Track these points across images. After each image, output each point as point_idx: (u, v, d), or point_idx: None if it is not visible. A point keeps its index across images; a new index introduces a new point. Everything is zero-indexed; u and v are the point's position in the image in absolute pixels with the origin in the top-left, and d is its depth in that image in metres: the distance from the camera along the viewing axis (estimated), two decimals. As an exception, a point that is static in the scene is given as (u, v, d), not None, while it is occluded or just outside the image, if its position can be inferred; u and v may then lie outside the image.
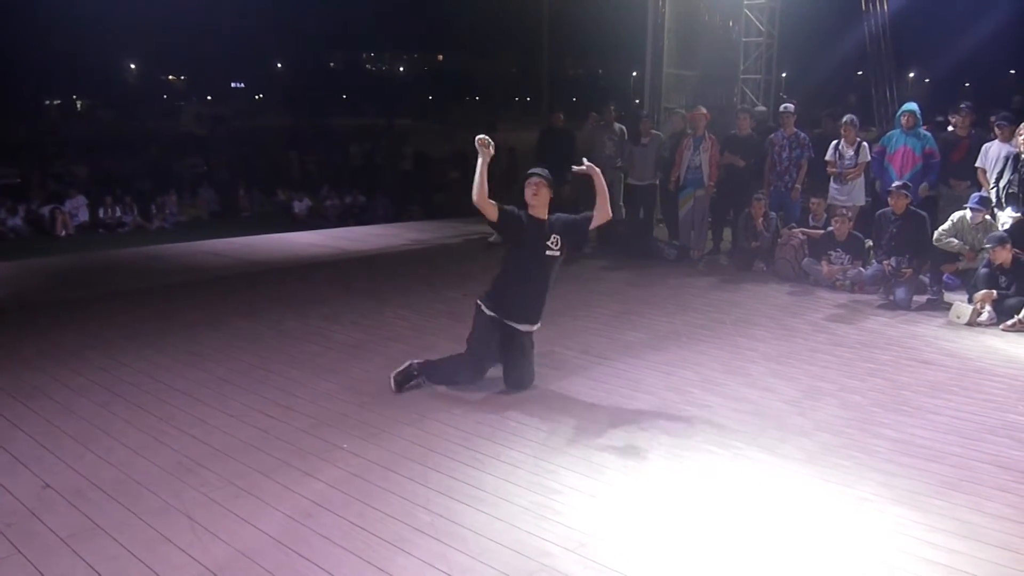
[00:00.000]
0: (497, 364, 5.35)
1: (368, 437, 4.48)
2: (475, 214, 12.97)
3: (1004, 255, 7.14)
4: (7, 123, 32.84)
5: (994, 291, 7.10)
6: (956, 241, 7.73)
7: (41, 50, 48.29)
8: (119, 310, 7.35)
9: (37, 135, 29.52)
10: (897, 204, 7.82)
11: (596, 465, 4.17)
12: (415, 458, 4.21)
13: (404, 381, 5.19)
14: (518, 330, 5.27)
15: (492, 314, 5.24)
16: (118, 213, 16.80)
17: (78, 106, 61.21)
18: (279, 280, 8.81)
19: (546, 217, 5.22)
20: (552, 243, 5.17)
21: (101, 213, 16.69)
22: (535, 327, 5.37)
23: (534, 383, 5.34)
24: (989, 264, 7.28)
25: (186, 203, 18.25)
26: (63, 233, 15.80)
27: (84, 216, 16.63)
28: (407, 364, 5.25)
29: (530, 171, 5.27)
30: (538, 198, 5.17)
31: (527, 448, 4.36)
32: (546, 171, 5.28)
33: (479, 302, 5.32)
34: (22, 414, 4.79)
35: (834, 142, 9.22)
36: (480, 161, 5.04)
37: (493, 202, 5.12)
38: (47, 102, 57.02)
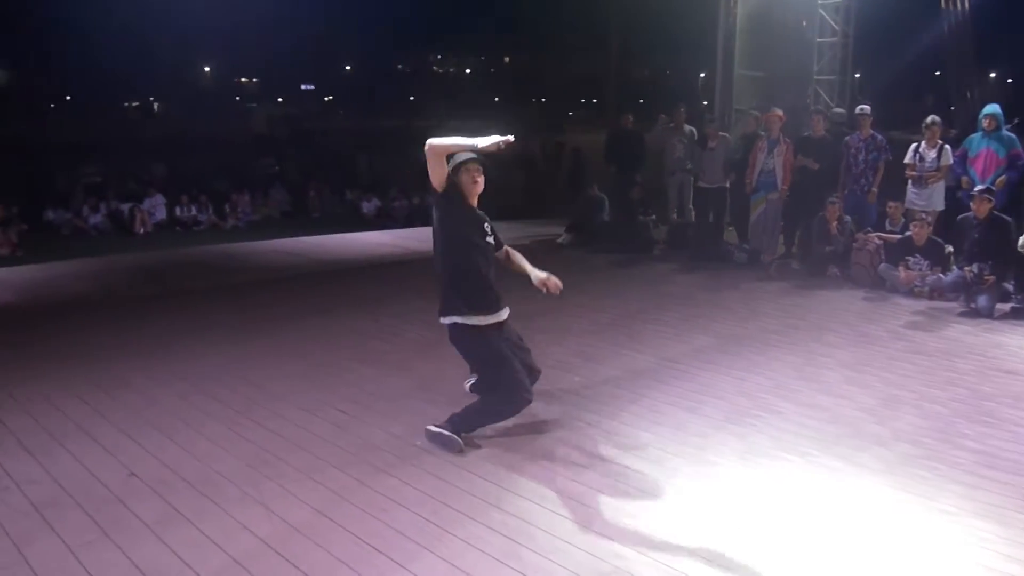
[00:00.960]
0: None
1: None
2: (542, 216, 12.97)
3: None
4: (90, 124, 34.06)
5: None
6: (1042, 248, 7.45)
7: (121, 54, 49.94)
8: (197, 305, 7.57)
9: (117, 136, 30.50)
10: (980, 209, 7.58)
11: (668, 469, 4.13)
12: (487, 457, 4.24)
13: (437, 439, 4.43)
14: (505, 320, 4.72)
15: (489, 321, 4.57)
16: (194, 211, 17.25)
17: (155, 108, 63.09)
18: (350, 279, 8.96)
19: (475, 204, 4.60)
20: (488, 229, 4.65)
21: (178, 211, 17.16)
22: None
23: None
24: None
25: (259, 203, 18.63)
26: (141, 231, 16.28)
27: (162, 214, 17.12)
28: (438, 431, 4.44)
29: (465, 157, 4.47)
30: (478, 186, 4.54)
31: (598, 449, 4.35)
32: (481, 156, 4.49)
33: (459, 322, 4.51)
34: (108, 405, 4.97)
35: (914, 144, 8.97)
36: (479, 142, 4.33)
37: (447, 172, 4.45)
38: (126, 104, 58.98)
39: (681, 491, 3.90)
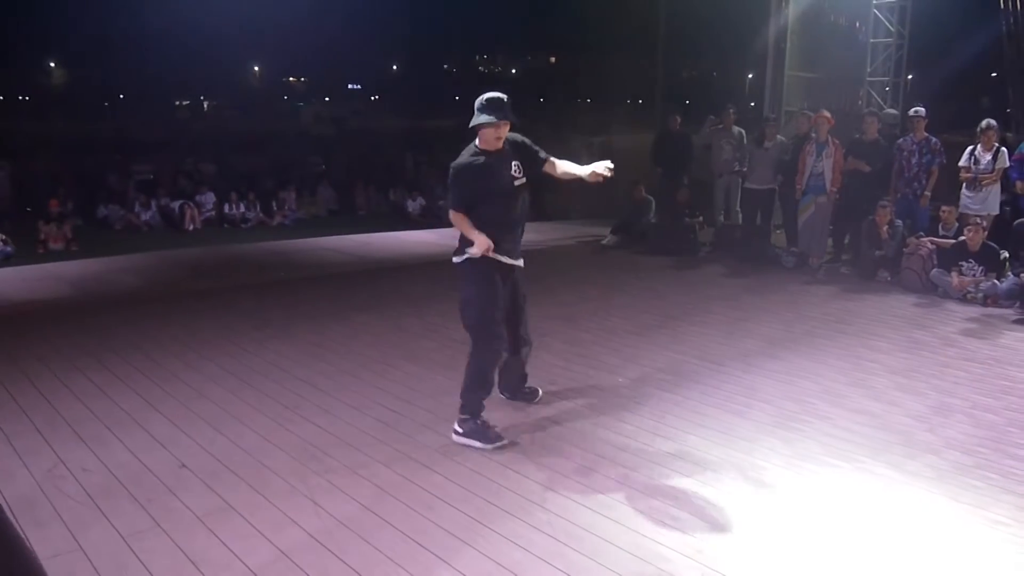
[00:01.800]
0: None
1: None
2: (586, 216, 12.93)
3: None
4: (143, 123, 34.74)
5: None
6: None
7: (172, 54, 50.86)
8: (246, 301, 7.69)
9: (169, 134, 31.07)
10: None
11: (713, 473, 4.11)
12: (532, 456, 4.25)
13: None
14: (518, 266, 4.72)
15: (490, 257, 4.46)
16: (242, 209, 17.52)
17: (205, 107, 64.16)
18: (396, 277, 9.04)
19: (501, 149, 4.55)
20: (516, 171, 4.57)
21: (226, 208, 17.45)
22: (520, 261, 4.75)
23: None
24: None
25: (306, 201, 18.86)
26: (191, 227, 16.58)
27: (211, 210, 17.43)
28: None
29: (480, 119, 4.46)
30: (488, 142, 4.51)
31: (642, 453, 4.33)
32: (509, 110, 4.48)
33: (460, 257, 4.54)
34: (159, 397, 5.07)
35: (970, 147, 8.79)
36: (584, 171, 4.63)
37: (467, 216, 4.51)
38: (177, 103, 60.08)
39: (727, 495, 3.87)
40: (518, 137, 4.68)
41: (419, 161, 23.87)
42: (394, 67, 73.95)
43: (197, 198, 17.39)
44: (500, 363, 4.72)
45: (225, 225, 17.19)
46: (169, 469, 4.06)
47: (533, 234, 12.14)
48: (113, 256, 10.18)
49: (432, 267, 9.64)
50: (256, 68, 69.20)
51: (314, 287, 8.43)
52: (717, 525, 3.59)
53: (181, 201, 17.17)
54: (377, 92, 69.54)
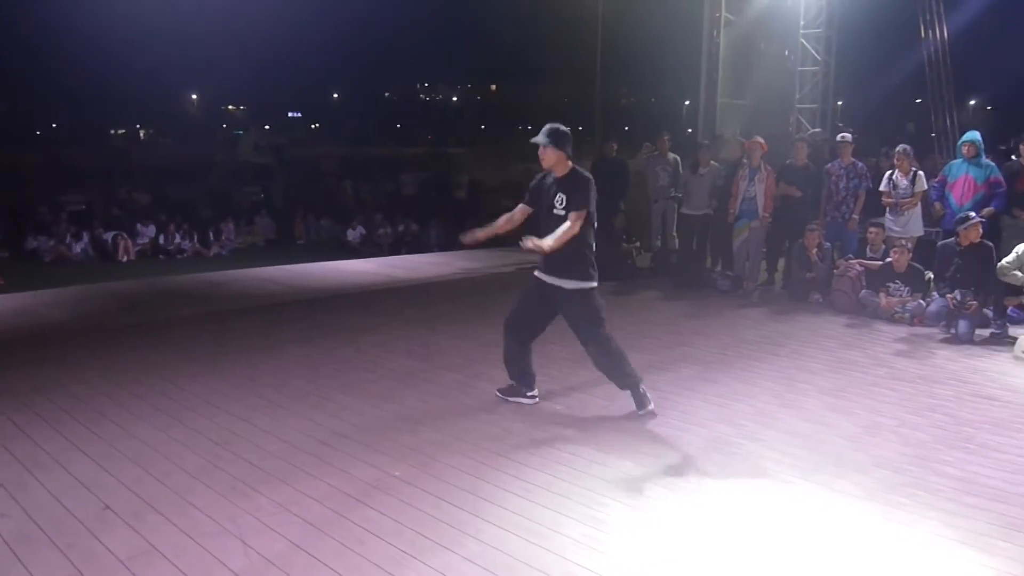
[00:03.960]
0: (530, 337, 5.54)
1: (420, 465, 4.49)
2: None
3: None
4: (75, 151, 34.00)
5: (1061, 325, 6.89)
6: (1021, 274, 7.51)
7: (107, 82, 50.04)
8: (178, 335, 7.51)
9: (102, 163, 30.46)
10: (969, 235, 7.60)
11: (647, 498, 4.12)
12: (466, 487, 4.21)
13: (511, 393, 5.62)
14: (545, 282, 5.28)
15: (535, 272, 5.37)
16: (177, 239, 17.23)
17: (141, 135, 63.12)
18: (333, 308, 8.93)
19: (562, 176, 5.17)
20: (557, 202, 5.12)
21: (161, 239, 17.14)
22: (563, 283, 5.20)
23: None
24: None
25: (243, 230, 18.64)
26: (124, 259, 16.26)
27: (145, 242, 17.10)
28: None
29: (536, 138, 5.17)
30: (545, 161, 5.18)
31: (578, 480, 4.33)
32: (546, 135, 5.12)
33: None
34: (84, 437, 4.91)
35: (888, 172, 9.08)
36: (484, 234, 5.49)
37: (519, 213, 5.43)
38: (112, 131, 58.98)
39: (660, 519, 3.88)
40: (584, 177, 5.13)
41: (359, 189, 23.79)
42: (334, 95, 73.81)
43: (139, 228, 17.05)
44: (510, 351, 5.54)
45: (160, 256, 16.91)
46: (92, 511, 3.92)
47: (471, 262, 12.19)
48: (41, 290, 9.89)
49: (370, 297, 9.59)
50: (194, 96, 68.46)
51: (248, 319, 8.29)
52: (650, 551, 3.59)
53: (114, 232, 16.83)
54: (317, 120, 69.31)
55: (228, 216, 18.75)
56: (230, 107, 73.54)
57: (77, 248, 16.36)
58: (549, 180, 5.23)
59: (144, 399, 5.60)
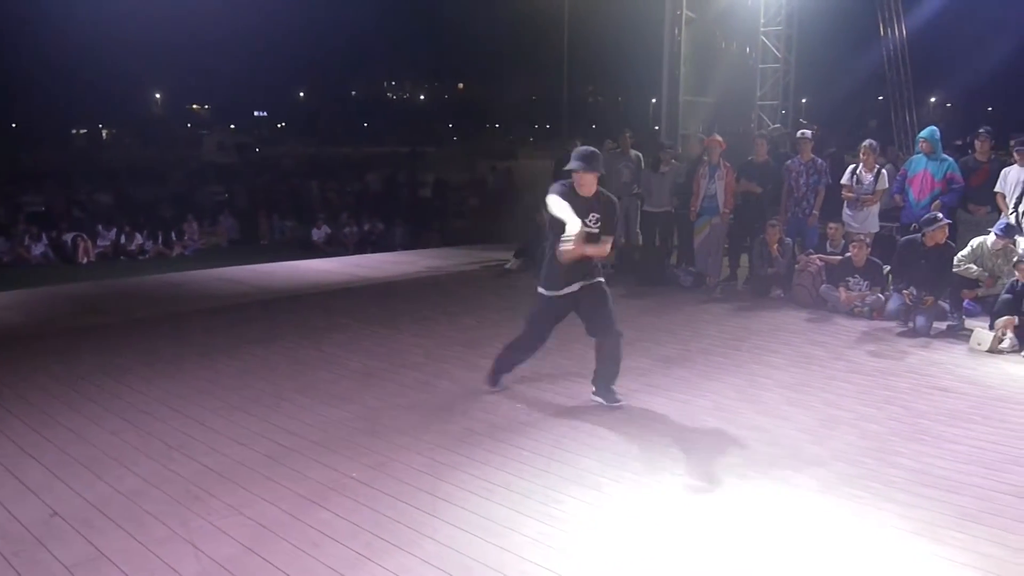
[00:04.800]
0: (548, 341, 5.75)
1: (378, 466, 4.45)
2: (492, 240, 13.07)
3: None
4: (35, 152, 33.43)
5: (1015, 317, 6.99)
6: (975, 267, 7.63)
7: (69, 80, 49.28)
8: (135, 337, 7.39)
9: (63, 164, 29.96)
10: (936, 236, 7.63)
11: (606, 495, 4.12)
12: (424, 487, 4.18)
13: (493, 381, 5.81)
14: (558, 296, 5.45)
15: (550, 294, 5.48)
16: (139, 240, 16.98)
17: (104, 135, 62.18)
18: (294, 307, 8.84)
19: (591, 195, 5.32)
20: (591, 220, 5.26)
21: (123, 240, 16.89)
22: (593, 280, 5.45)
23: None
24: (1012, 290, 7.18)
25: (206, 231, 18.42)
26: (85, 260, 15.99)
27: (107, 243, 16.82)
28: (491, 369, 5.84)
29: (569, 166, 5.32)
30: (582, 186, 5.30)
31: (538, 478, 4.31)
32: (582, 159, 5.27)
33: (539, 288, 5.57)
34: (35, 442, 4.80)
35: (851, 166, 9.15)
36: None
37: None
38: (74, 131, 58.04)
39: (619, 517, 3.88)
40: (614, 201, 5.47)
41: (325, 188, 23.61)
42: (301, 94, 73.23)
43: (100, 230, 16.77)
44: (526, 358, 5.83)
45: (122, 258, 16.65)
46: (39, 518, 3.84)
47: (438, 260, 12.16)
48: (-3, 292, 9.70)
49: (332, 296, 9.50)
50: (158, 95, 67.58)
51: (208, 320, 8.18)
52: (608, 548, 3.58)
53: (74, 233, 16.55)
54: (283, 119, 68.72)
55: (191, 216, 18.50)
56: (195, 106, 72.72)
57: (36, 250, 16.06)
58: (574, 198, 5.25)
59: (98, 402, 5.49)
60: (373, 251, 15.59)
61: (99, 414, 5.27)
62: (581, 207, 5.23)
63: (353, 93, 75.04)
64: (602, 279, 5.54)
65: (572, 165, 5.28)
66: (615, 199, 5.51)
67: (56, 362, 6.49)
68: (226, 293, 9.63)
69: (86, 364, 6.43)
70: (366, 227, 18.60)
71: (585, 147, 5.43)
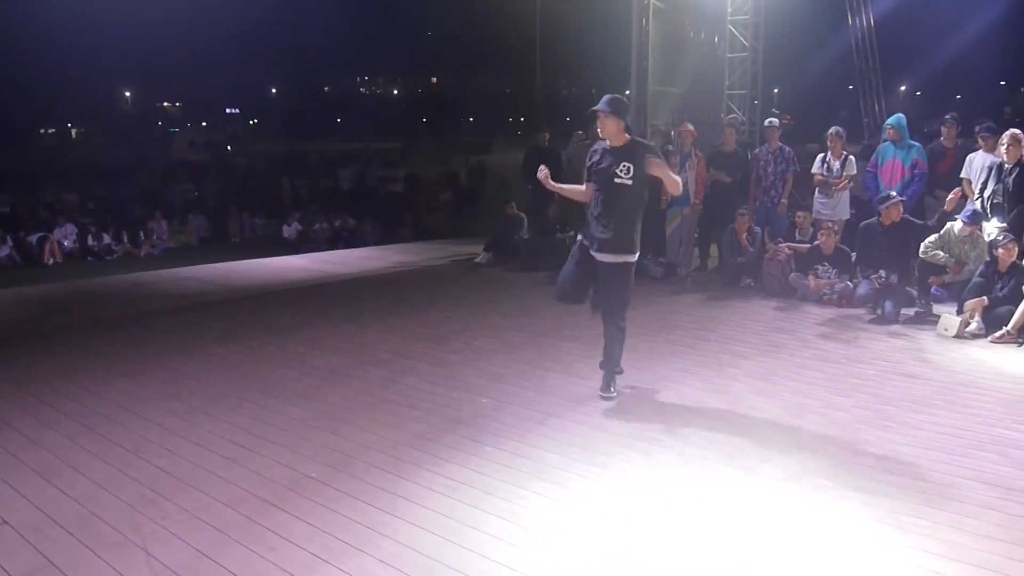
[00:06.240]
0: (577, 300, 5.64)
1: (338, 465, 4.37)
2: (465, 235, 13.00)
3: (1011, 254, 7.07)
4: (2, 152, 32.89)
5: (985, 298, 7.01)
6: (942, 254, 7.64)
7: (37, 80, 48.56)
8: (96, 339, 7.25)
9: (31, 164, 29.49)
10: (891, 214, 7.69)
11: (570, 490, 4.06)
12: (385, 487, 4.10)
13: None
14: (595, 259, 5.32)
15: (579, 238, 5.48)
16: (107, 240, 16.74)
17: (73, 134, 61.38)
18: (260, 306, 8.73)
19: (621, 145, 5.21)
20: (622, 171, 5.12)
21: (90, 240, 16.63)
22: (613, 258, 5.27)
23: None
24: (985, 271, 7.21)
25: (176, 229, 18.19)
26: (51, 262, 15.73)
27: (73, 244, 16.56)
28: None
29: (595, 107, 5.22)
30: (604, 130, 5.23)
31: (500, 474, 4.25)
32: (607, 103, 5.17)
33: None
34: (-14, 448, 4.69)
35: (820, 155, 9.17)
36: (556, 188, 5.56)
37: (589, 191, 5.40)
38: (42, 131, 57.22)
39: (583, 511, 3.83)
40: (646, 143, 5.53)
41: (296, 185, 23.40)
42: (273, 90, 72.64)
43: (56, 231, 16.50)
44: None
45: (89, 258, 16.39)
46: (-13, 527, 3.73)
47: (408, 255, 12.06)
48: (-45, 296, 9.50)
49: (300, 293, 9.40)
50: (128, 93, 66.81)
51: (172, 320, 8.04)
52: (572, 544, 3.53)
53: (40, 234, 16.27)
54: (256, 116, 68.14)
55: (160, 215, 18.25)
56: (165, 104, 71.99)
57: (1, 252, 15.79)
58: (602, 153, 5.27)
59: (54, 406, 5.37)
60: (344, 247, 15.45)
61: (54, 418, 5.15)
62: (605, 160, 5.20)
63: (326, 89, 74.53)
64: (626, 260, 5.30)
65: (597, 106, 5.17)
66: (648, 143, 5.53)
67: (13, 366, 6.34)
68: (192, 292, 9.49)
69: (44, 367, 6.29)
70: (337, 223, 18.44)
71: (613, 94, 5.31)
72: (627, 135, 5.24)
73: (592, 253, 5.32)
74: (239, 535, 3.61)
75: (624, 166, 5.12)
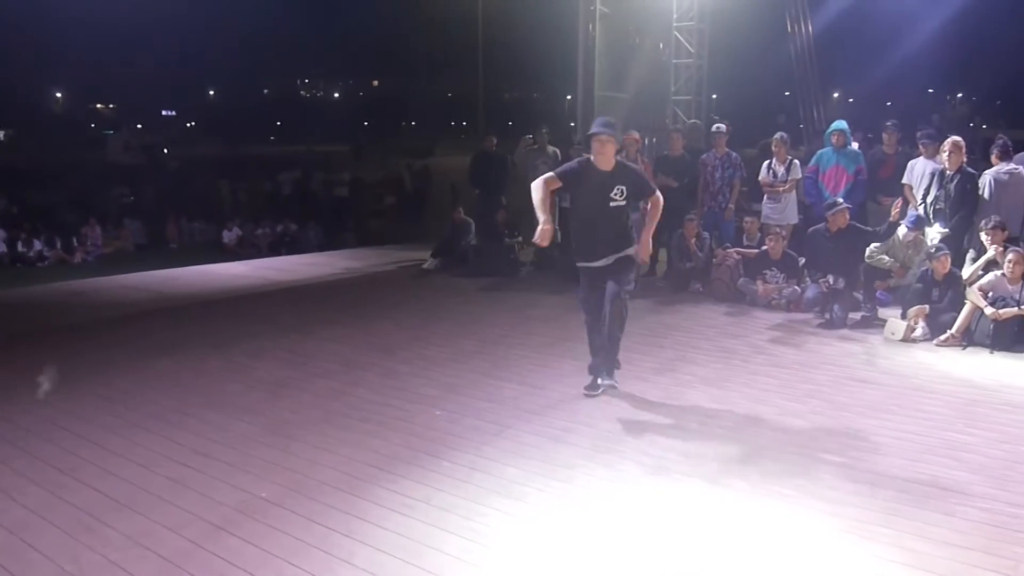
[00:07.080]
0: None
1: (290, 484, 4.20)
2: (409, 240, 12.83)
3: (944, 266, 7.19)
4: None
5: (927, 306, 7.12)
6: (887, 258, 7.75)
7: (-40, 80, 46.85)
8: (25, 352, 6.91)
9: (-46, 168, 28.34)
10: (839, 220, 7.76)
11: (529, 505, 3.97)
12: (340, 506, 3.95)
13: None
14: (594, 267, 5.51)
15: (582, 264, 5.60)
16: (37, 246, 16.13)
17: (0, 136, 59.33)
18: (201, 315, 8.44)
19: (611, 168, 5.34)
20: (616, 194, 5.33)
21: (20, 246, 16.01)
22: (617, 255, 5.48)
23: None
24: (923, 279, 7.31)
25: (110, 235, 17.61)
26: (-24, 270, 15.09)
27: (2, 250, 15.93)
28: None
29: (593, 130, 5.33)
30: (602, 155, 5.30)
31: (458, 490, 4.12)
32: (608, 127, 5.30)
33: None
34: (-93, 473, 4.39)
35: (766, 162, 9.24)
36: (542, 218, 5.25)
37: (550, 186, 5.34)
38: (-33, 133, 55.22)
39: (542, 526, 3.73)
40: (638, 167, 5.84)
41: (236, 188, 22.89)
42: (211, 92, 71.22)
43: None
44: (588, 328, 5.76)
45: (18, 265, 15.76)
46: (-92, 560, 3.48)
47: (354, 261, 11.84)
48: None
49: (243, 301, 9.12)
50: (58, 94, 64.83)
51: (108, 330, 7.71)
52: (531, 560, 3.43)
53: (-36, 242, 15.61)
54: (193, 118, 66.68)
55: (94, 220, 17.64)
56: (99, 106, 70.00)
57: (-78, 260, 15.11)
58: (589, 173, 5.35)
59: (-19, 426, 5.07)
60: (287, 253, 15.12)
61: (-18, 439, 4.87)
62: (604, 183, 5.30)
63: (265, 91, 73.35)
64: (627, 253, 5.51)
65: (595, 129, 5.26)
66: (634, 166, 5.69)
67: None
68: (129, 301, 9.14)
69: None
70: (279, 228, 18.06)
71: (604, 117, 5.50)
72: (615, 158, 5.40)
73: (594, 265, 5.51)
74: (186, 563, 3.43)
75: (619, 189, 5.35)
